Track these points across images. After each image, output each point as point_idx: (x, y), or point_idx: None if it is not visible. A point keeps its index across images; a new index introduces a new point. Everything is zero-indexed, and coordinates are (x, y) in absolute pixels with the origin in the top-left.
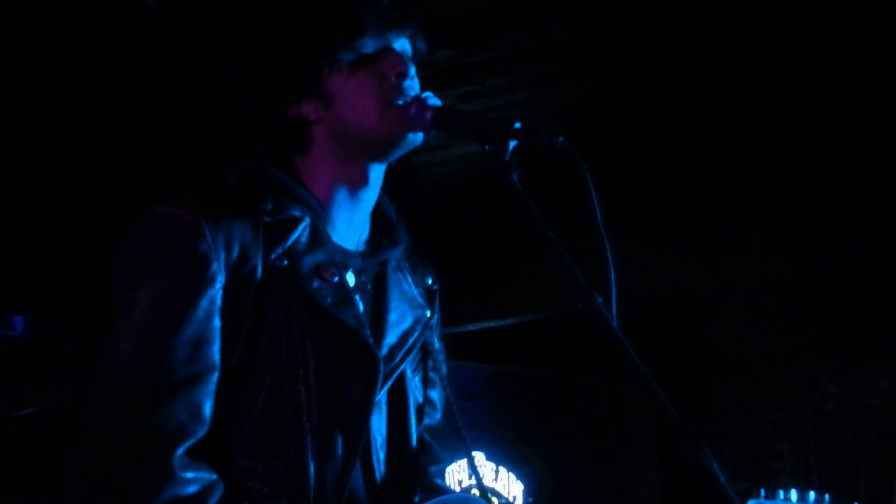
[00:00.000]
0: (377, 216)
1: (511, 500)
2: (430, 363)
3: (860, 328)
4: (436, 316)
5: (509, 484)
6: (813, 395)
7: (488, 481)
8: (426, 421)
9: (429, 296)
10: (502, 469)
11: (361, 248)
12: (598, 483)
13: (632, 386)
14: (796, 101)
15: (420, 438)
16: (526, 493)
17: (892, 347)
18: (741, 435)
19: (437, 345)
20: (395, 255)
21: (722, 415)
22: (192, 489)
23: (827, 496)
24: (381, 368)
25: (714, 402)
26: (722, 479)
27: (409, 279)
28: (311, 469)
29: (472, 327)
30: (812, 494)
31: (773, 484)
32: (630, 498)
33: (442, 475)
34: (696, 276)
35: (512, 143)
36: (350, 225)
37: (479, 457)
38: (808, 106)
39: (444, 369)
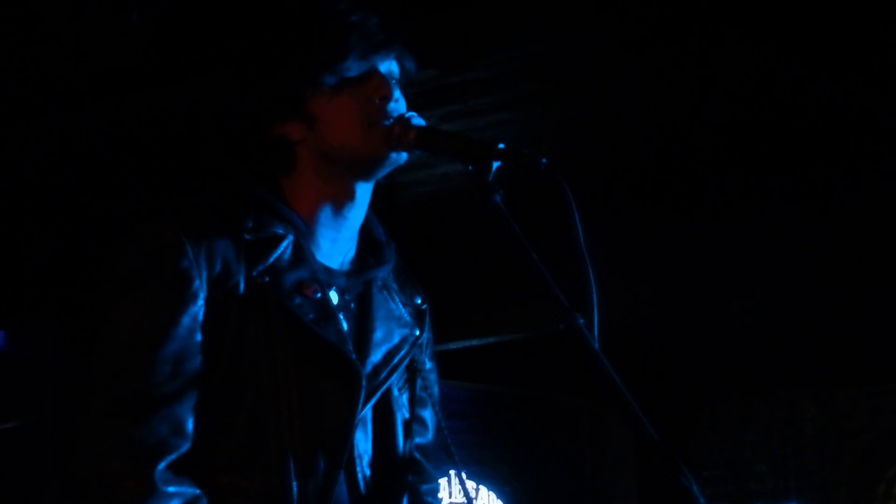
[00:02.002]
0: (365, 236)
1: None
2: (420, 382)
3: (841, 351)
4: (425, 335)
5: (489, 502)
6: (793, 417)
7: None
8: (417, 440)
9: (418, 315)
10: (482, 488)
11: (346, 267)
12: (577, 503)
13: (611, 407)
14: (779, 127)
15: (411, 458)
16: None
17: (873, 370)
18: (721, 456)
19: (427, 364)
20: (381, 274)
21: (702, 436)
22: (174, 503)
23: None
24: (364, 385)
25: (694, 423)
26: (702, 500)
27: (397, 298)
28: (294, 486)
29: (452, 346)
30: None
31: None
32: None
33: (434, 494)
34: (678, 300)
35: (495, 164)
36: (335, 244)
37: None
38: (790, 133)
39: (435, 389)
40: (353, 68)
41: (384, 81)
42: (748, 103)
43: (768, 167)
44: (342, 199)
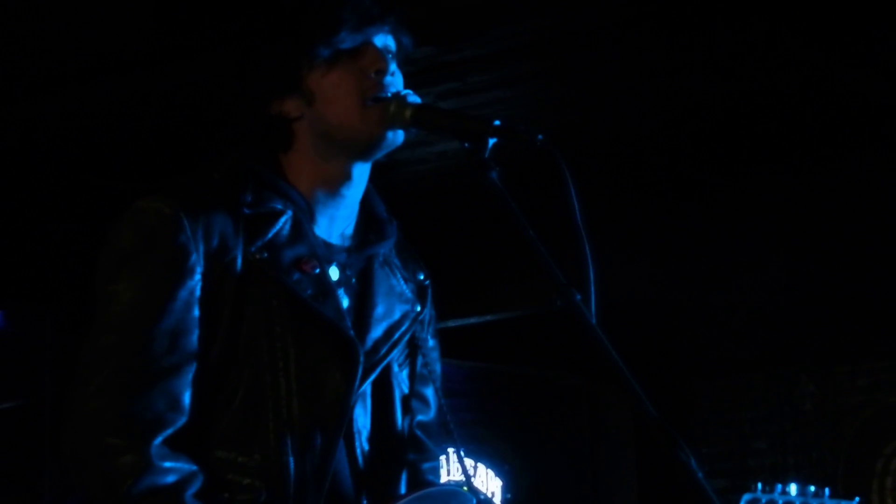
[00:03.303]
0: (365, 212)
1: (490, 496)
2: (421, 359)
3: (839, 327)
4: (426, 311)
5: (487, 480)
6: (791, 393)
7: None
8: (419, 418)
9: (420, 291)
10: (480, 465)
11: (347, 243)
12: (576, 481)
13: (610, 384)
14: (779, 104)
15: (411, 435)
16: (504, 490)
17: (870, 346)
18: (719, 433)
19: (430, 342)
20: (383, 250)
21: (700, 413)
22: (169, 479)
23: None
24: (362, 361)
25: (692, 400)
26: (700, 475)
27: (398, 274)
28: (291, 461)
29: (451, 324)
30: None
31: (753, 480)
32: (608, 495)
33: (435, 472)
34: (676, 278)
35: (491, 141)
36: (333, 220)
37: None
38: (792, 110)
39: (436, 367)
40: (348, 40)
41: (379, 55)
42: (748, 82)
43: (767, 147)
44: (339, 179)
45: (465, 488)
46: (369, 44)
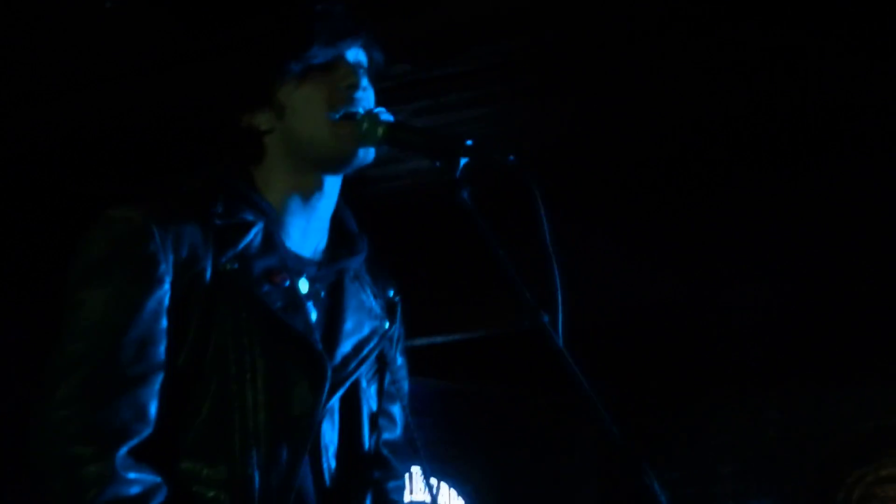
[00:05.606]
0: (336, 226)
1: None
2: (389, 377)
3: (806, 353)
4: (395, 327)
5: (450, 500)
6: (757, 419)
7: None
8: (386, 436)
9: (389, 307)
10: (444, 485)
11: (318, 256)
12: (540, 501)
13: (576, 405)
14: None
15: (377, 452)
16: None
17: (837, 373)
18: (684, 458)
19: (398, 360)
20: (354, 265)
21: (665, 437)
22: (134, 490)
23: None
24: (329, 375)
25: (658, 425)
26: (663, 499)
27: (368, 290)
28: (256, 475)
29: (418, 342)
30: None
31: None
32: None
33: (400, 492)
34: (643, 305)
35: (463, 161)
36: (305, 233)
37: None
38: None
39: (404, 386)
40: (319, 55)
41: (351, 69)
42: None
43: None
44: (311, 191)
45: None
46: (341, 58)
